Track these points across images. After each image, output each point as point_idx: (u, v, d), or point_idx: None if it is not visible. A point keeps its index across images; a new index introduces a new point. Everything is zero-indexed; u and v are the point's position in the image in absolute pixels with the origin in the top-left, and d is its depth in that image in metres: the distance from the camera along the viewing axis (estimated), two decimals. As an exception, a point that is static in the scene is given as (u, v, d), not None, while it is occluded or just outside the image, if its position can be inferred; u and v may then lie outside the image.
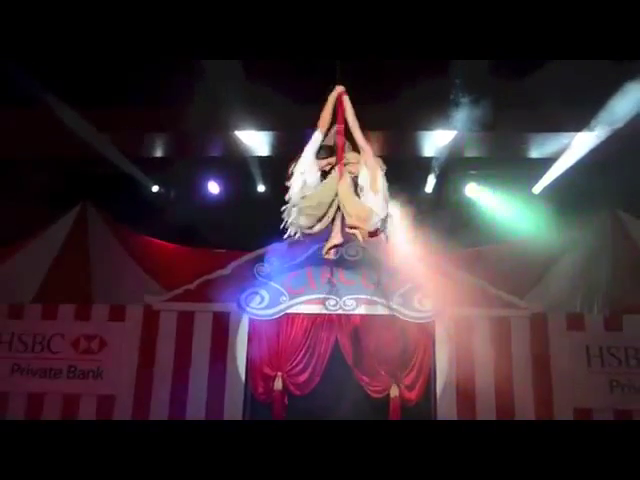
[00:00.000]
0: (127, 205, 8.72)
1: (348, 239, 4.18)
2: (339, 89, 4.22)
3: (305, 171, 4.12)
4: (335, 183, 4.06)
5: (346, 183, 4.07)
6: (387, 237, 4.10)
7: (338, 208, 4.06)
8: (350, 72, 5.18)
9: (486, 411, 7.73)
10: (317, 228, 4.15)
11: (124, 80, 6.34)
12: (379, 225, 3.98)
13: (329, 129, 4.23)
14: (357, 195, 4.08)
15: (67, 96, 6.53)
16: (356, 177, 4.13)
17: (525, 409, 7.68)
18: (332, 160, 4.26)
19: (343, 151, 4.15)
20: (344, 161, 4.16)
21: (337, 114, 4.18)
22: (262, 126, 7.17)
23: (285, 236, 4.21)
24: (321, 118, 4.20)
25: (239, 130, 7.38)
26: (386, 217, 4.01)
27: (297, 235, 4.15)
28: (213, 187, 8.80)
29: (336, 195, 4.03)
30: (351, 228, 3.93)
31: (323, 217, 4.10)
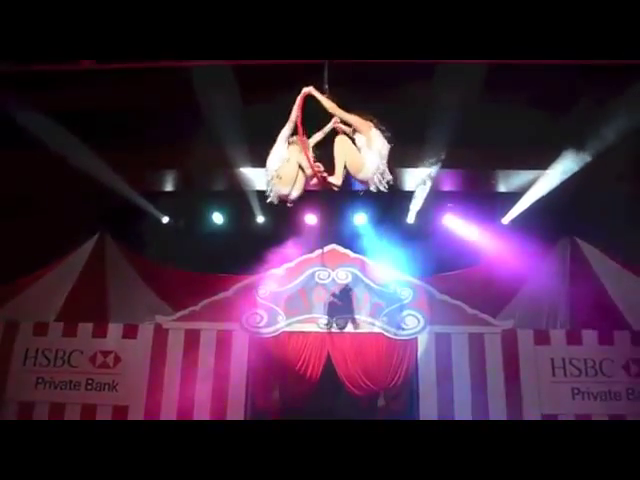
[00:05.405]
0: (140, 235, 9.20)
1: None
2: (305, 91, 4.62)
3: (277, 151, 4.67)
4: (296, 157, 4.62)
5: (344, 142, 4.64)
6: (380, 185, 4.56)
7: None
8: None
9: (464, 419, 8.06)
10: (294, 194, 4.70)
11: (137, 125, 6.83)
12: (371, 175, 4.53)
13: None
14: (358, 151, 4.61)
15: (88, 142, 7.00)
16: (353, 139, 4.70)
17: (498, 417, 8.03)
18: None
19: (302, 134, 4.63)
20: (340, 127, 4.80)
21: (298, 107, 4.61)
22: (262, 163, 7.81)
23: (268, 201, 4.75)
24: (292, 112, 4.64)
25: (241, 167, 7.76)
26: (378, 169, 4.52)
27: (277, 202, 4.73)
28: (217, 218, 9.24)
29: (300, 167, 4.62)
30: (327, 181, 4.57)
31: (295, 183, 4.65)
